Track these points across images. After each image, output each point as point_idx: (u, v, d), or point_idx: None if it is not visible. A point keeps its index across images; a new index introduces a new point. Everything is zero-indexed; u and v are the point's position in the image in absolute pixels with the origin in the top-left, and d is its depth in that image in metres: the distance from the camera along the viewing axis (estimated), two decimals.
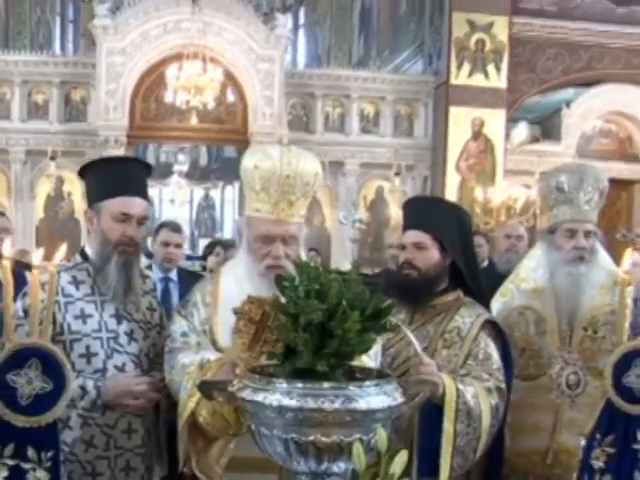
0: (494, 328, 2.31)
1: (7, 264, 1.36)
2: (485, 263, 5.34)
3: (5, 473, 1.37)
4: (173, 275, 4.14)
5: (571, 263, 2.42)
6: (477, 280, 2.42)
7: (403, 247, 2.37)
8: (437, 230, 2.31)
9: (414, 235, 2.33)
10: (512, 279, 2.65)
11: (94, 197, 2.16)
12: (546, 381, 2.40)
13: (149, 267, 4.11)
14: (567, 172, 2.51)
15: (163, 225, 4.29)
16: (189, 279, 4.07)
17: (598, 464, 1.67)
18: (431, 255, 2.30)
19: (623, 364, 1.66)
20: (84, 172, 2.23)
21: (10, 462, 1.41)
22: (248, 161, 1.98)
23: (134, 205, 2.12)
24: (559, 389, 2.38)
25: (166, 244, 4.07)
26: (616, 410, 1.66)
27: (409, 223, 2.40)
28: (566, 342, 2.42)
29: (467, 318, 2.28)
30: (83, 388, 2.00)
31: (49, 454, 1.46)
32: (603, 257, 2.50)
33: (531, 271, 2.58)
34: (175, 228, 4.23)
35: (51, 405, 1.47)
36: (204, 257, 5.85)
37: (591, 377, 2.35)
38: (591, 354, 2.37)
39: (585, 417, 2.20)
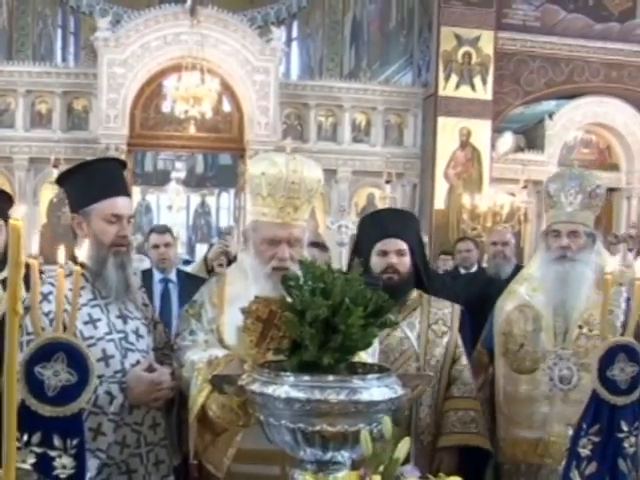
0: (463, 316, 2.66)
1: (35, 262, 1.35)
2: (474, 268, 5.50)
3: (33, 460, 1.39)
4: (172, 276, 4.28)
5: (556, 261, 2.51)
6: (430, 281, 2.72)
7: (384, 253, 2.53)
8: (409, 238, 2.57)
9: (397, 243, 2.53)
10: (517, 279, 2.78)
11: (80, 203, 2.13)
12: (540, 375, 2.49)
13: (149, 271, 4.27)
14: (554, 177, 2.65)
15: (151, 230, 4.49)
16: (188, 280, 4.25)
17: (585, 452, 1.72)
18: (407, 260, 2.54)
19: (608, 358, 1.72)
20: (64, 179, 2.21)
21: (37, 449, 1.44)
22: (255, 168, 2.03)
23: (123, 205, 2.14)
24: (552, 383, 2.46)
25: (156, 246, 4.26)
26: (601, 401, 1.72)
27: (387, 232, 2.56)
28: (560, 339, 2.50)
29: (445, 310, 2.62)
30: (109, 393, 2.00)
31: (74, 442, 1.50)
32: (600, 256, 2.55)
33: (533, 271, 2.69)
34: (161, 230, 4.42)
35: (76, 396, 1.50)
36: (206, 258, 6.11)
37: (585, 373, 2.39)
38: (585, 351, 2.43)
39: (577, 411, 2.29)
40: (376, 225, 2.69)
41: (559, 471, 2.28)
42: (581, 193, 2.50)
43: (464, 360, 2.58)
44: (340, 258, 8.85)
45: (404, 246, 2.54)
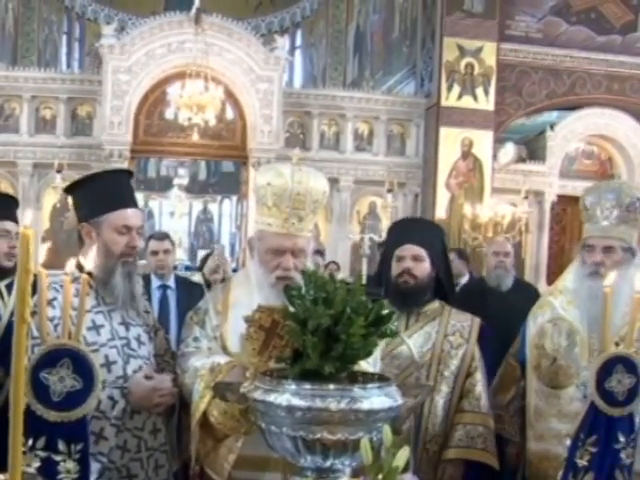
0: (482, 330, 2.67)
1: (43, 271, 1.37)
2: (465, 278, 5.55)
3: (37, 464, 1.40)
4: (171, 282, 4.34)
5: (590, 277, 2.45)
6: (453, 292, 2.78)
7: (401, 259, 2.61)
8: (430, 246, 2.63)
9: (413, 249, 2.60)
10: (551, 291, 2.75)
11: (91, 212, 2.16)
12: (573, 391, 2.46)
13: (147, 277, 4.28)
14: (590, 191, 2.56)
15: (150, 237, 4.49)
16: (186, 286, 4.40)
17: (582, 462, 1.72)
18: (426, 266, 2.60)
19: (605, 370, 1.73)
20: (74, 189, 2.23)
21: (42, 454, 1.45)
22: (261, 178, 2.05)
23: (133, 217, 2.17)
24: (585, 400, 2.32)
25: (155, 253, 4.30)
26: (599, 412, 1.73)
27: (406, 238, 2.64)
28: (595, 355, 2.41)
29: (464, 322, 2.64)
30: (112, 398, 2.02)
31: (78, 447, 1.51)
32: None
33: (568, 284, 2.63)
34: (160, 237, 4.46)
35: (81, 402, 1.51)
36: (200, 269, 6.17)
37: None
38: None
39: None
40: (397, 233, 2.78)
41: None
42: (617, 207, 2.44)
43: (479, 375, 2.59)
44: (355, 267, 8.88)
45: (421, 252, 2.60)
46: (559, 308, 2.60)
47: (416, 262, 2.58)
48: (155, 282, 4.29)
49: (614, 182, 2.62)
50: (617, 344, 2.28)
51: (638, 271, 2.37)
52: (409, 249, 2.61)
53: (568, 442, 1.81)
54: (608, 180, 2.76)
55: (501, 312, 2.89)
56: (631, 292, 2.20)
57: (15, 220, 2.77)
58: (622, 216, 2.44)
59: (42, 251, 1.37)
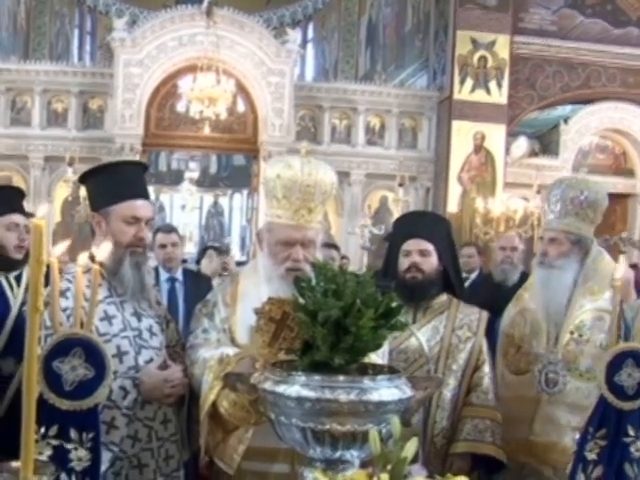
0: (489, 323, 2.67)
1: (55, 262, 1.37)
2: (475, 273, 5.44)
3: (49, 452, 1.41)
4: (179, 275, 4.33)
5: (538, 267, 2.63)
6: (461, 285, 2.77)
7: (408, 253, 2.60)
8: (437, 240, 2.61)
9: (420, 243, 2.59)
10: (525, 285, 2.85)
11: (101, 202, 2.17)
12: (530, 377, 2.57)
13: (155, 269, 4.22)
14: (547, 188, 2.73)
15: (158, 229, 4.45)
16: (194, 279, 4.42)
17: (591, 456, 1.73)
18: (433, 260, 2.58)
19: (615, 364, 1.74)
20: (87, 178, 2.25)
21: (54, 442, 1.46)
22: (271, 171, 2.06)
23: (143, 208, 2.17)
24: (539, 386, 2.54)
25: (163, 246, 4.28)
26: (608, 406, 1.74)
27: (412, 233, 2.63)
28: (552, 343, 2.56)
29: (472, 315, 2.63)
30: (123, 389, 2.04)
31: (90, 435, 1.52)
32: (603, 262, 2.58)
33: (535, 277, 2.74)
34: (168, 230, 4.46)
35: (92, 391, 1.53)
36: (198, 262, 6.20)
37: (572, 378, 2.47)
38: (574, 356, 2.49)
39: (563, 415, 2.45)
40: (403, 227, 2.77)
41: (540, 472, 2.44)
42: (561, 200, 2.53)
43: (486, 368, 2.59)
44: (362, 260, 8.94)
45: (428, 246, 2.58)
46: (528, 299, 2.71)
47: (423, 257, 2.56)
48: (163, 275, 4.30)
49: (567, 177, 2.69)
50: (572, 332, 2.51)
51: (603, 261, 2.55)
52: (416, 243, 2.59)
53: (577, 435, 1.82)
54: (564, 177, 2.87)
55: (506, 307, 2.88)
56: (584, 283, 2.48)
57: (23, 212, 2.77)
58: (567, 209, 2.52)
59: (60, 248, 1.38)
